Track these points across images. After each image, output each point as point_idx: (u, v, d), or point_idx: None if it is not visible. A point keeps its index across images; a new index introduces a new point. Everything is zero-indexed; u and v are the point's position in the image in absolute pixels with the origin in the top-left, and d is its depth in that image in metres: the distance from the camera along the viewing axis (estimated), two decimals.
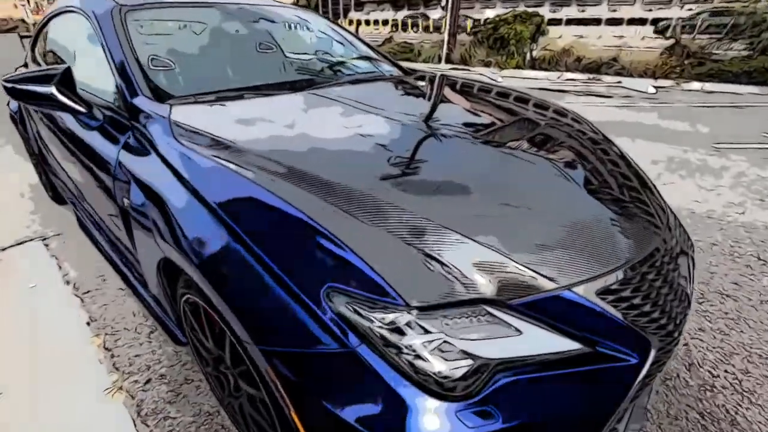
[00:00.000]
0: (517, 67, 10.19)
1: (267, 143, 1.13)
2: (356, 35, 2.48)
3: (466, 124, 1.40)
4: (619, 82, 8.46)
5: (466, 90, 1.94)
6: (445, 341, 0.70)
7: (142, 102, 1.33)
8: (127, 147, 1.28)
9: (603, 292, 0.81)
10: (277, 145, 1.12)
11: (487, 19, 11.37)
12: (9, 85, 1.38)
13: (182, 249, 0.93)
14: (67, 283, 1.98)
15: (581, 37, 11.04)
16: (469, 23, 12.19)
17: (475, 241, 0.80)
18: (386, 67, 2.23)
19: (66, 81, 1.42)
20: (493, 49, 10.73)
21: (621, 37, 10.81)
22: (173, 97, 1.40)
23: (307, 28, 2.32)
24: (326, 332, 0.70)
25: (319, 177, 0.93)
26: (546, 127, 1.45)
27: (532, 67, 10.09)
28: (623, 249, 0.90)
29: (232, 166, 0.98)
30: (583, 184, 1.10)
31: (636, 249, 0.92)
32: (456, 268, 0.75)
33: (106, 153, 1.35)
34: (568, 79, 9.07)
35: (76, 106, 1.41)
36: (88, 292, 1.92)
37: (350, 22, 15.69)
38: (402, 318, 0.70)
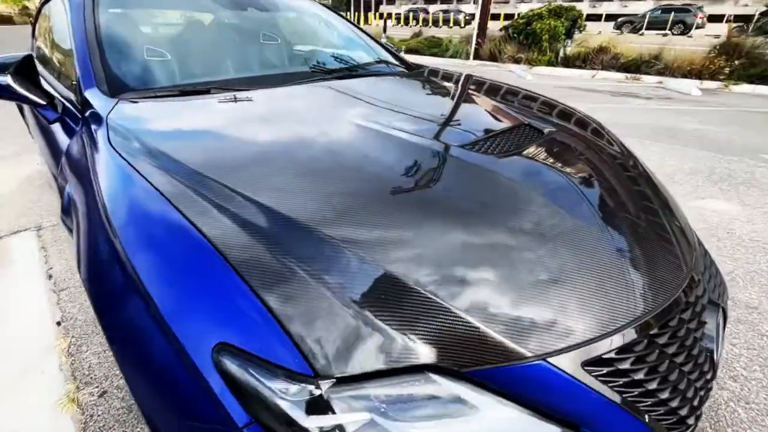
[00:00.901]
0: (549, 64, 9.70)
1: (204, 152, 0.96)
2: (357, 25, 2.31)
3: (455, 131, 1.21)
4: (660, 82, 7.88)
5: (468, 88, 1.74)
6: (372, 423, 0.53)
7: (93, 95, 1.21)
8: (71, 145, 1.17)
9: (592, 363, 0.62)
10: (214, 156, 0.94)
11: (520, 13, 10.87)
12: None
13: (82, 276, 0.80)
14: (50, 277, 1.93)
15: (621, 33, 10.39)
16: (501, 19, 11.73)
17: (423, 291, 0.62)
18: (388, 62, 2.05)
19: (25, 70, 1.33)
20: (524, 45, 10.26)
21: (665, 34, 10.09)
22: (132, 91, 1.28)
23: (299, 17, 2.18)
24: (209, 403, 0.54)
25: (250, 199, 0.76)
26: (548, 136, 1.24)
27: (565, 65, 9.58)
28: (627, 303, 0.69)
29: (149, 181, 0.82)
30: (583, 212, 0.88)
31: (645, 303, 0.71)
32: (394, 325, 0.58)
33: (58, 149, 1.26)
34: (603, 79, 8.54)
35: (35, 98, 1.32)
36: (66, 288, 1.86)
37: (380, 16, 15.43)
38: (313, 390, 0.53)
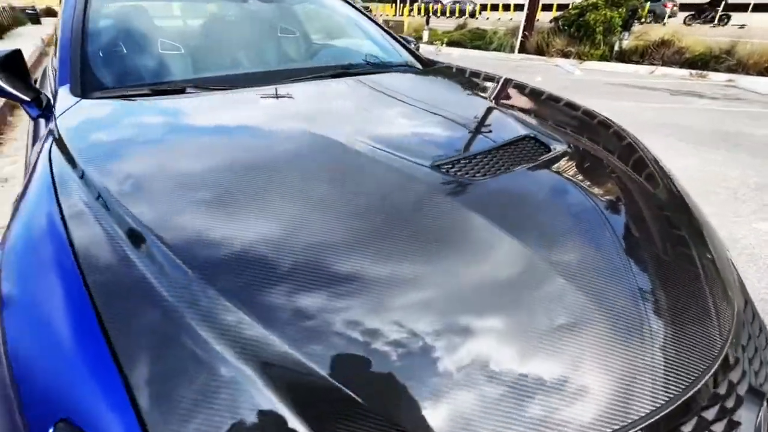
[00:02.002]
0: (602, 58, 8.94)
1: (134, 174, 0.83)
2: (366, 13, 2.11)
3: (434, 144, 1.00)
4: (731, 80, 6.98)
5: (477, 88, 1.50)
6: None
7: (62, 92, 1.16)
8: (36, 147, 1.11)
9: None
10: (144, 181, 0.80)
11: (574, 3, 10.10)
12: None
13: None
14: None
15: (688, 24, 9.38)
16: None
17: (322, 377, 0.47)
18: (400, 57, 1.84)
19: (12, 65, 1.28)
20: (575, 38, 9.52)
21: (742, 26, 8.97)
22: (106, 89, 1.24)
23: (303, 7, 2.02)
24: None
25: (158, 242, 0.62)
26: (554, 154, 1.00)
27: (621, 59, 8.79)
28: (623, 398, 0.49)
29: (59, 202, 0.72)
30: (571, 263, 0.66)
31: (650, 397, 0.50)
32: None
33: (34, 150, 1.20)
34: (663, 75, 7.72)
35: (18, 93, 1.26)
36: None
37: (420, 11, 15.03)
38: None
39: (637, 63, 8.47)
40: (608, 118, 1.44)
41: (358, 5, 2.12)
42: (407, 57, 1.86)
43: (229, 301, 0.53)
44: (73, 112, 1.09)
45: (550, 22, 10.85)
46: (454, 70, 1.85)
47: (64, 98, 1.16)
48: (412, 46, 2.15)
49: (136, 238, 0.63)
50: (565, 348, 0.53)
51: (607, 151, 1.14)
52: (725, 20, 17.12)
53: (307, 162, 0.88)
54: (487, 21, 16.12)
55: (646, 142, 1.35)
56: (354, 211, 0.73)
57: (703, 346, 0.59)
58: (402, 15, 16.82)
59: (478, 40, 11.72)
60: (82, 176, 0.79)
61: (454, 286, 0.60)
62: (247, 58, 1.61)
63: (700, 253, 0.82)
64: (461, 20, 15.16)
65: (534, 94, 1.61)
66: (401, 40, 1.98)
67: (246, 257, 0.61)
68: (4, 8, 13.61)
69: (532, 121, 1.22)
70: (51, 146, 0.92)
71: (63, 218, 0.67)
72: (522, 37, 10.57)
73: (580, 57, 9.18)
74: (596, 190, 0.92)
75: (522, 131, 1.09)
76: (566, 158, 0.99)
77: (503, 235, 0.68)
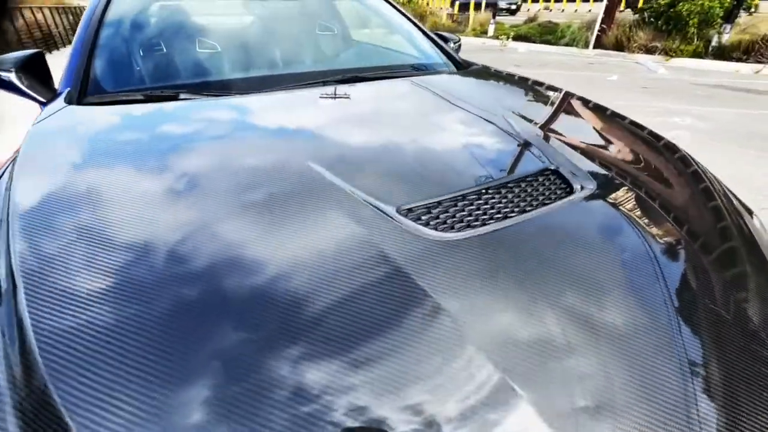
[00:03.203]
0: (695, 55, 7.80)
1: (100, 194, 0.74)
2: (398, 8, 1.90)
3: (407, 181, 0.78)
4: None
5: (507, 97, 1.25)
6: None
7: (58, 99, 1.15)
8: None
9: None
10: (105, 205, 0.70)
11: None
12: None
13: None
14: None
15: None
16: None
17: None
18: (429, 58, 1.63)
19: (34, 67, 1.31)
20: (663, 31, 8.42)
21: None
22: (105, 93, 1.23)
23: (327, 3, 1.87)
24: None
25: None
26: (577, 197, 0.75)
27: (719, 56, 7.60)
28: None
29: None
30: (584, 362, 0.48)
31: None
32: None
33: None
34: None
35: (34, 94, 1.28)
36: None
37: (487, 5, 14.32)
38: None
39: (739, 60, 7.27)
40: (672, 143, 1.12)
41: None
42: (438, 58, 1.65)
43: None
44: (52, 118, 1.06)
45: (634, 13, 9.72)
46: (488, 73, 1.60)
47: (55, 104, 1.14)
48: (452, 45, 1.92)
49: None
50: None
51: (658, 193, 0.85)
52: None
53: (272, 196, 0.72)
54: (562, 13, 14.96)
55: (749, 169, 1.01)
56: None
57: None
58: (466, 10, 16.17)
59: (548, 35, 10.87)
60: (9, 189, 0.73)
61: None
62: (248, 63, 1.50)
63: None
64: (531, 13, 14.21)
65: (582, 107, 1.32)
66: (436, 38, 1.76)
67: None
68: (67, 9, 13.42)
69: (565, 146, 0.95)
70: (17, 152, 0.88)
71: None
72: (599, 30, 9.59)
73: (667, 53, 8.10)
74: (626, 257, 0.66)
75: (543, 162, 0.85)
76: (592, 204, 0.74)
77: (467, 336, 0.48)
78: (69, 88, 1.19)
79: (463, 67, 1.58)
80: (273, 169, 0.81)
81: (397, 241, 0.60)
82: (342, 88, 1.27)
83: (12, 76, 1.25)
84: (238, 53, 1.52)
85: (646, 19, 8.90)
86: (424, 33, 1.75)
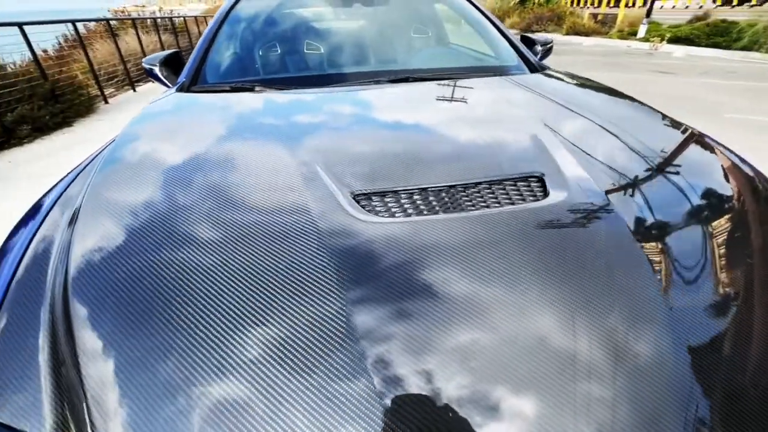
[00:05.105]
0: None
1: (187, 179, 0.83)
2: (481, 9, 1.82)
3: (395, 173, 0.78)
4: None
5: (568, 110, 1.10)
6: None
7: (176, 86, 1.42)
8: None
9: None
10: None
11: None
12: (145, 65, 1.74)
13: None
14: None
15: None
16: None
17: None
18: (506, 60, 1.57)
19: (172, 62, 1.69)
20: None
21: None
22: (208, 84, 1.45)
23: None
24: None
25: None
26: (547, 215, 0.67)
27: None
28: None
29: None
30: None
31: None
32: None
33: None
34: None
35: (168, 83, 1.64)
36: None
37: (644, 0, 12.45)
38: None
39: None
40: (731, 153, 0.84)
41: None
42: (510, 60, 1.55)
43: None
44: (160, 101, 1.31)
45: None
46: (557, 77, 1.44)
47: (170, 90, 1.41)
48: (538, 48, 1.78)
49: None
50: None
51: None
52: None
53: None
54: (751, 10, 12.03)
55: None
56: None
57: None
58: (616, 6, 14.25)
59: (718, 36, 8.97)
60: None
61: None
62: (333, 62, 1.62)
63: None
64: (701, 10, 11.86)
65: (642, 117, 1.14)
66: (513, 39, 1.65)
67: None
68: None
69: (582, 158, 0.83)
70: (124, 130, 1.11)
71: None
72: None
73: None
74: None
75: (534, 169, 0.79)
76: (553, 213, 0.67)
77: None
78: (184, 79, 1.46)
79: (536, 70, 1.49)
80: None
81: (330, 221, 0.66)
82: (394, 88, 1.32)
83: (156, 69, 1.62)
84: (327, 53, 1.67)
85: None
86: (502, 34, 1.68)
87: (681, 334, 0.50)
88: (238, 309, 0.53)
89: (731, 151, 0.97)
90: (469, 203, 0.70)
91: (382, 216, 0.67)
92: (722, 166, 0.89)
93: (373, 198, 0.72)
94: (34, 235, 0.75)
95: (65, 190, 0.89)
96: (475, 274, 0.55)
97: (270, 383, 0.45)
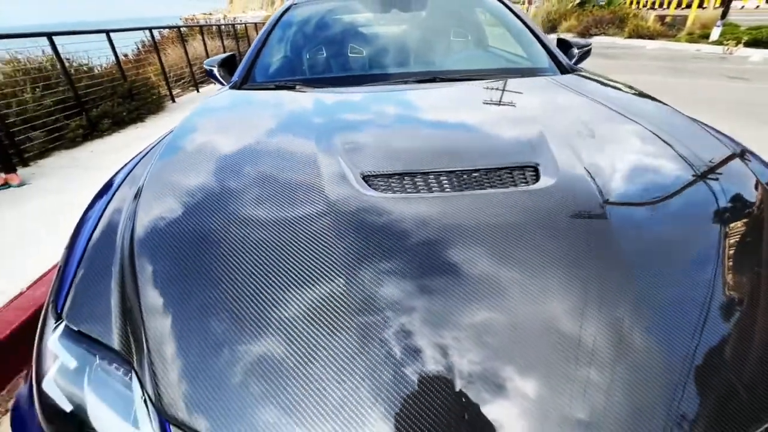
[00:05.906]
0: None
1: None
2: (516, 12, 1.86)
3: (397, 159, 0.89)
4: None
5: (590, 113, 1.13)
6: None
7: (229, 84, 1.61)
8: None
9: None
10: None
11: None
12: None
13: None
14: None
15: None
16: None
17: None
18: (539, 62, 1.61)
19: (228, 64, 1.91)
20: None
21: None
22: (257, 82, 1.61)
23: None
24: None
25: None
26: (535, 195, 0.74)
27: None
28: None
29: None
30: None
31: None
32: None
33: None
34: None
35: (224, 82, 1.85)
36: None
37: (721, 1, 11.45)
38: None
39: None
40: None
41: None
42: (543, 62, 1.58)
43: None
44: (214, 97, 1.48)
45: None
46: (587, 79, 1.46)
47: (223, 88, 1.59)
48: (575, 50, 1.78)
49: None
50: None
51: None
52: None
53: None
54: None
55: None
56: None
57: None
58: (687, 7, 13.18)
59: None
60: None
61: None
62: (371, 64, 1.74)
63: None
64: None
65: (661, 119, 1.12)
66: (546, 42, 1.67)
67: None
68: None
69: (585, 154, 0.88)
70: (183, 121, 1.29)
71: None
72: None
73: None
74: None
75: (531, 159, 0.86)
76: (541, 193, 0.75)
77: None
78: (237, 78, 1.64)
79: (567, 72, 1.51)
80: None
81: (341, 194, 0.78)
82: (419, 89, 1.41)
83: (215, 69, 1.83)
84: (366, 55, 1.79)
85: None
86: (535, 35, 1.71)
87: (668, 322, 0.55)
88: (274, 271, 0.65)
89: (751, 152, 0.96)
90: (477, 184, 0.80)
91: (410, 192, 0.78)
92: (740, 171, 0.89)
93: (379, 178, 0.83)
94: (107, 205, 0.93)
95: (132, 170, 1.07)
96: (477, 247, 0.65)
97: (303, 336, 0.56)
